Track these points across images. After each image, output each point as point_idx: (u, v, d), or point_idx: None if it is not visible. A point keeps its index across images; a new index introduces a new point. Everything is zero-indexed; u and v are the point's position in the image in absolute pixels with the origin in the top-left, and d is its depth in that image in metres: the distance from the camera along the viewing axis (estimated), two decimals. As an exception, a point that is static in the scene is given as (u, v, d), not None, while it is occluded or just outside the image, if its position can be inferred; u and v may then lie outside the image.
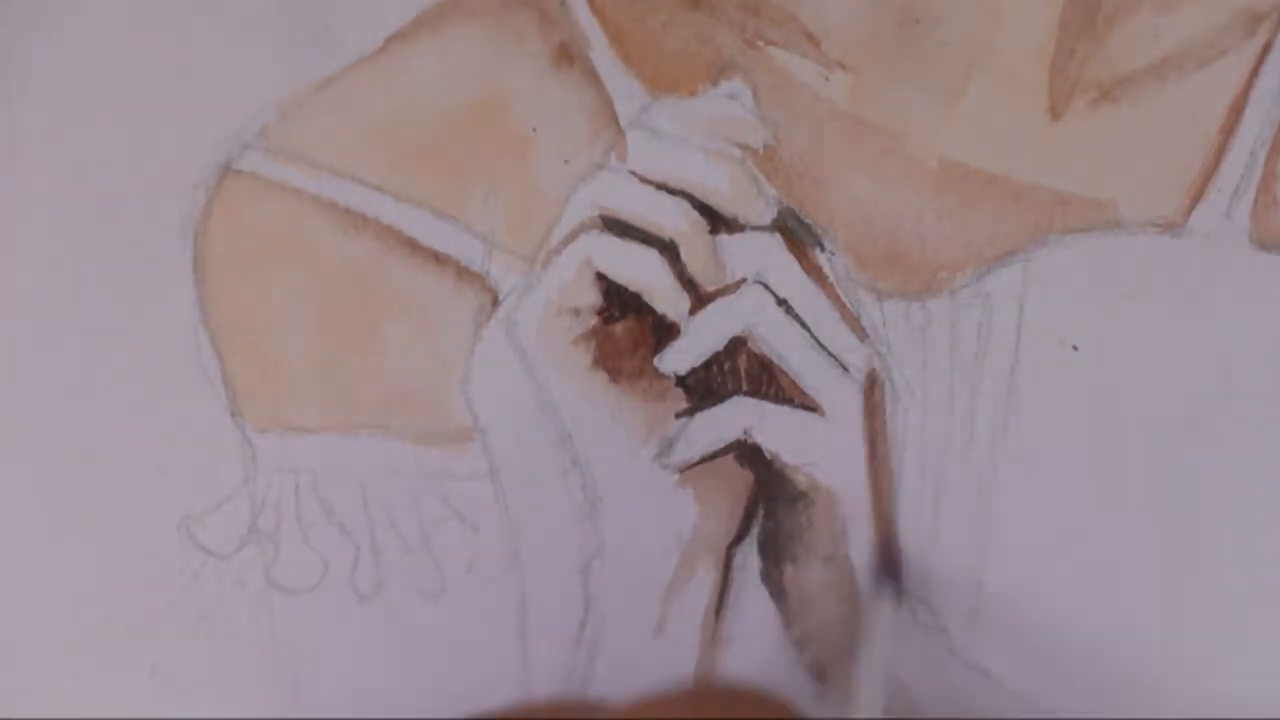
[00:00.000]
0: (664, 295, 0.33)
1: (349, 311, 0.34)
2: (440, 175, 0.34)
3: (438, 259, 0.34)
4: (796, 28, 0.33)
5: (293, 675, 0.35)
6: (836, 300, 0.33)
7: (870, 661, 0.29)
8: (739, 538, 0.34)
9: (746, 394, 0.33)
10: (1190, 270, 0.32)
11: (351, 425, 0.34)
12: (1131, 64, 0.32)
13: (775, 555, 0.34)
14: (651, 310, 0.34)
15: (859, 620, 0.33)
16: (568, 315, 0.34)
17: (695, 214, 0.33)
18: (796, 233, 0.33)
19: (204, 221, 0.35)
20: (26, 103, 0.35)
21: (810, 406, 0.33)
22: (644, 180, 0.34)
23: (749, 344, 0.33)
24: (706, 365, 0.34)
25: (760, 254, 0.33)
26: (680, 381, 0.34)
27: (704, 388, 0.34)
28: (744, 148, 0.33)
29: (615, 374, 0.34)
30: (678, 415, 0.34)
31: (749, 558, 0.34)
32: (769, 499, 0.34)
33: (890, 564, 0.33)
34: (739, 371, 0.33)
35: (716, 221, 0.33)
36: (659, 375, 0.34)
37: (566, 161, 0.34)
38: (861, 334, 0.33)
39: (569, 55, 0.34)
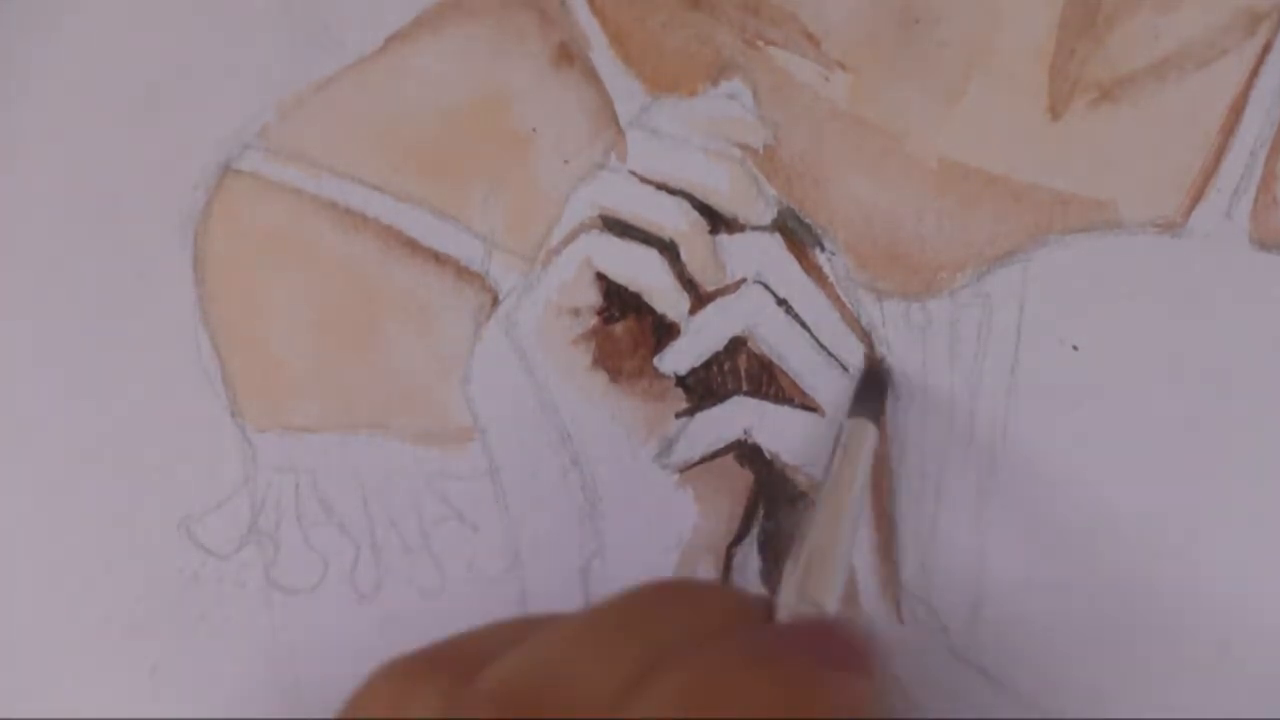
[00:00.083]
0: (664, 295, 0.33)
1: (349, 311, 0.34)
2: (440, 175, 0.34)
3: (438, 259, 0.34)
4: (796, 28, 0.33)
5: (293, 675, 0.35)
6: (836, 300, 0.33)
7: (847, 482, 0.29)
8: (739, 538, 0.34)
9: (746, 394, 0.33)
10: (1190, 270, 0.32)
11: (351, 425, 0.34)
12: (1131, 64, 0.32)
13: (775, 555, 0.34)
14: (651, 310, 0.34)
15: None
16: (568, 315, 0.34)
17: (695, 214, 0.33)
18: (796, 233, 0.33)
19: (204, 221, 0.35)
20: (26, 103, 0.35)
21: (810, 406, 0.33)
22: (644, 180, 0.34)
23: (749, 344, 0.33)
24: (706, 365, 0.34)
25: (760, 254, 0.33)
26: (680, 381, 0.34)
27: (704, 388, 0.34)
28: (744, 148, 0.33)
29: (615, 374, 0.34)
30: (678, 415, 0.34)
31: (749, 558, 0.34)
32: (769, 499, 0.34)
33: (875, 381, 0.32)
34: (739, 371, 0.33)
35: (716, 221, 0.33)
36: (659, 375, 0.34)
37: (566, 161, 0.34)
38: (861, 334, 0.33)
39: (569, 55, 0.34)
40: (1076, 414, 0.32)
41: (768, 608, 0.26)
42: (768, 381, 0.33)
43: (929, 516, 0.33)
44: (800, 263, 0.33)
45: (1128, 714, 0.32)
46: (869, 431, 0.31)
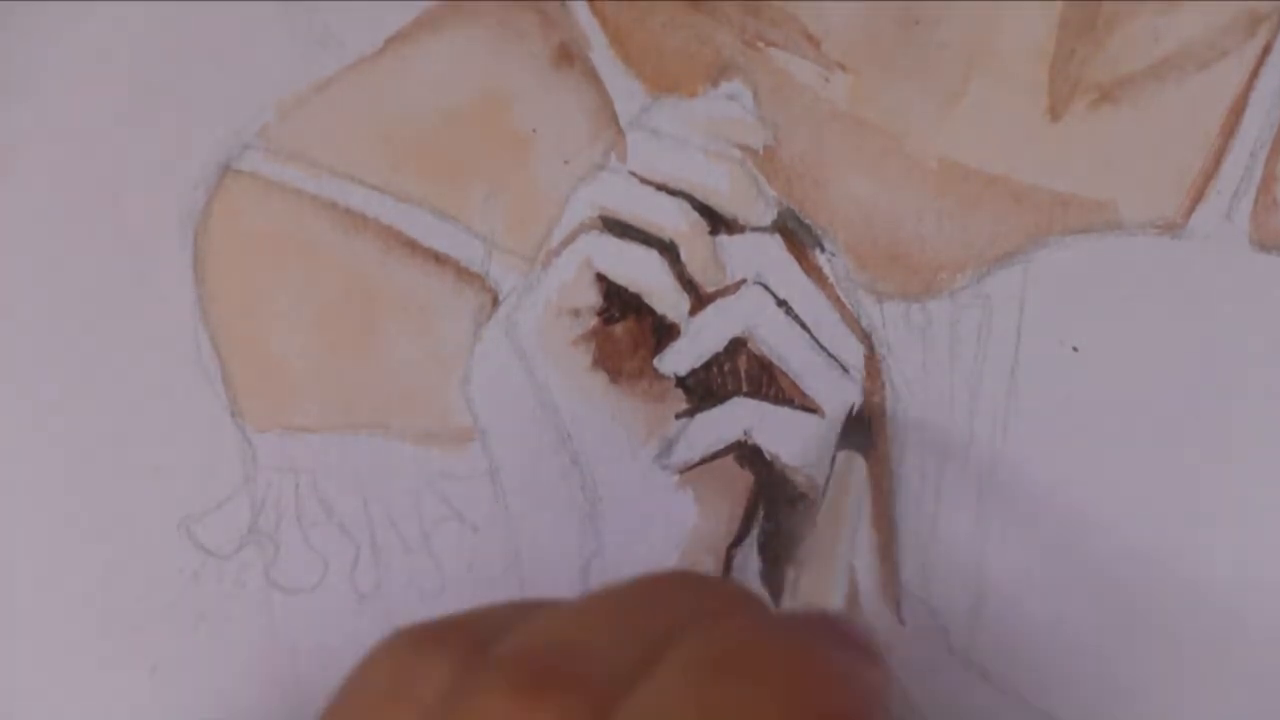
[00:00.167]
0: (664, 296, 0.33)
1: (349, 311, 0.34)
2: (440, 175, 0.34)
3: (438, 259, 0.34)
4: (797, 29, 0.33)
5: (293, 675, 0.35)
6: (836, 301, 0.33)
7: (841, 512, 0.29)
8: (739, 539, 0.34)
9: (746, 395, 0.33)
10: (1190, 271, 0.32)
11: (351, 425, 0.34)
12: (1132, 65, 0.32)
13: (775, 556, 0.34)
14: (651, 311, 0.34)
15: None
16: (568, 316, 0.34)
17: (695, 214, 0.33)
18: (796, 233, 0.33)
19: (204, 221, 0.35)
20: (26, 103, 0.35)
21: (810, 407, 0.33)
22: (644, 181, 0.34)
23: (749, 345, 0.33)
24: (706, 366, 0.34)
25: (760, 255, 0.33)
26: (680, 382, 0.34)
27: (704, 388, 0.34)
28: (744, 148, 0.33)
29: (615, 374, 0.34)
30: (678, 416, 0.34)
31: (749, 559, 0.34)
32: (769, 500, 0.34)
33: (860, 421, 0.32)
34: (739, 372, 0.33)
35: (716, 222, 0.33)
36: (659, 376, 0.34)
37: (566, 161, 0.34)
38: (861, 335, 0.33)
39: (569, 55, 0.34)
40: (1076, 414, 0.32)
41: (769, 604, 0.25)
42: (768, 382, 0.33)
43: (929, 516, 0.33)
44: (800, 263, 0.33)
45: (1128, 715, 0.32)
46: (857, 463, 0.31)
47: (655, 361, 0.34)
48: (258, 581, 0.35)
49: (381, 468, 0.34)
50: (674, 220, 0.33)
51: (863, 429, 0.32)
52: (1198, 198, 0.32)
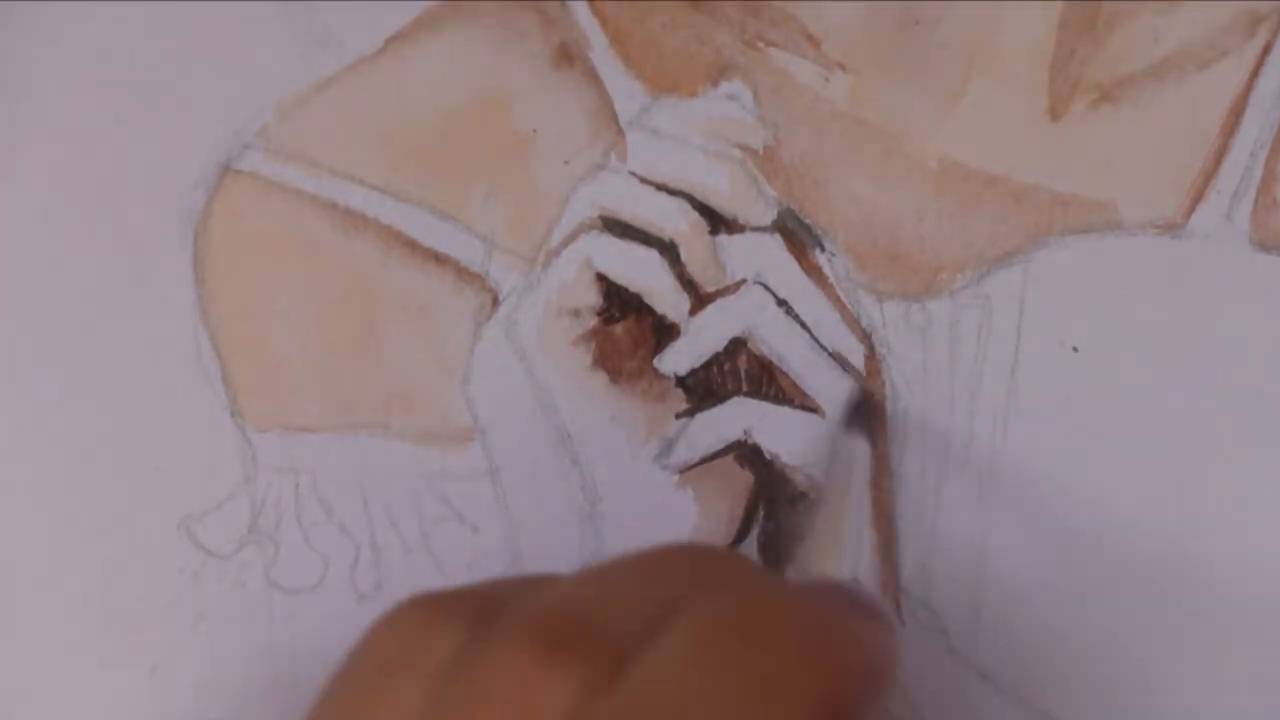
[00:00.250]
0: (664, 296, 0.33)
1: (349, 311, 0.34)
2: (440, 175, 0.34)
3: (438, 259, 0.34)
4: (797, 29, 0.33)
5: (293, 675, 0.34)
6: (836, 301, 0.33)
7: (844, 504, 0.29)
8: (739, 538, 0.34)
9: (746, 395, 0.33)
10: (1190, 271, 0.32)
11: (351, 425, 0.34)
12: (1132, 65, 0.32)
13: (775, 556, 0.34)
14: (651, 311, 0.34)
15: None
16: (568, 316, 0.34)
17: (695, 214, 0.33)
18: (796, 233, 0.33)
19: (204, 221, 0.35)
20: (26, 103, 0.35)
21: (810, 407, 0.33)
22: (644, 181, 0.34)
23: (749, 345, 0.33)
24: (706, 366, 0.34)
25: (760, 254, 0.33)
26: (680, 382, 0.34)
27: (704, 388, 0.34)
28: (744, 148, 0.33)
29: (615, 374, 0.34)
30: (678, 416, 0.34)
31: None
32: (769, 500, 0.34)
33: (864, 406, 0.32)
34: (739, 372, 0.33)
35: (716, 222, 0.33)
36: (659, 376, 0.34)
37: (566, 161, 0.34)
38: (861, 335, 0.33)
39: (569, 55, 0.34)
40: (1076, 414, 0.32)
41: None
42: (768, 382, 0.33)
43: (929, 516, 0.33)
44: (800, 263, 0.33)
45: (1128, 715, 0.32)
46: (861, 446, 0.31)
47: (655, 361, 0.34)
48: (258, 581, 0.34)
49: (381, 468, 0.34)
50: (674, 220, 0.33)
51: (865, 412, 0.32)
52: (1198, 198, 0.32)
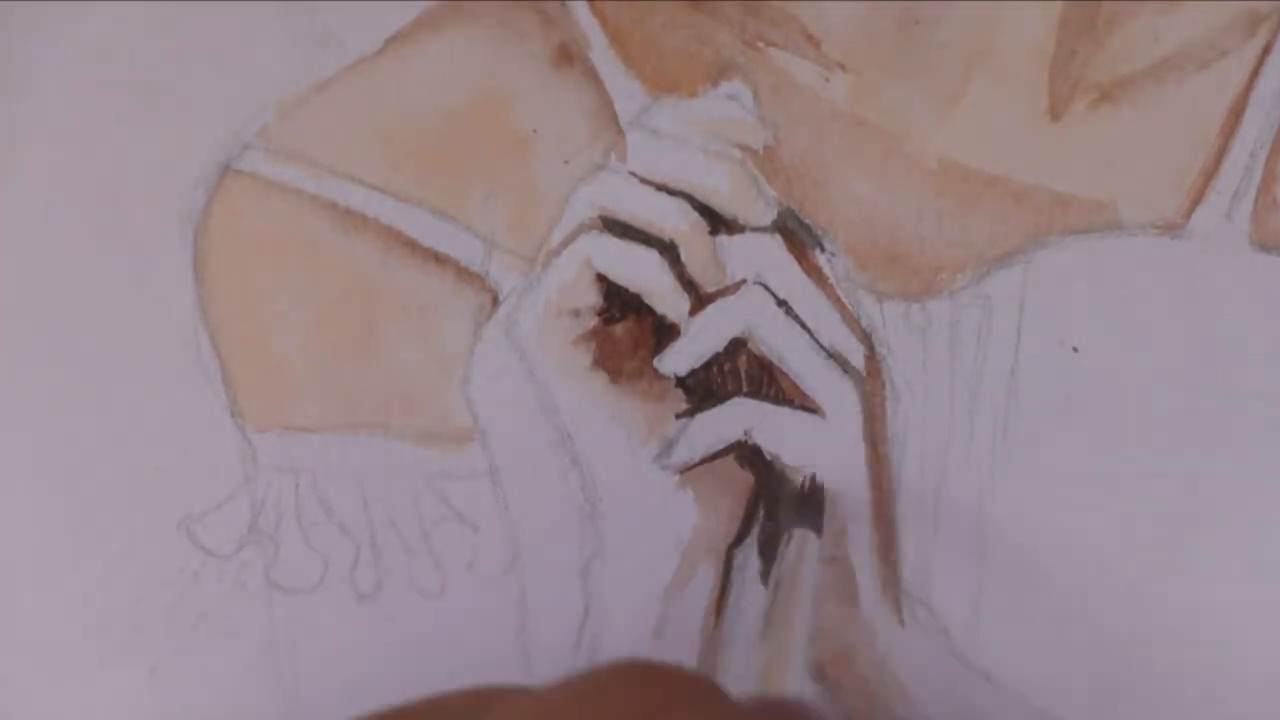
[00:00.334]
0: (664, 296, 0.33)
1: (349, 311, 0.34)
2: (440, 175, 0.34)
3: (438, 259, 0.34)
4: (797, 29, 0.33)
5: (293, 675, 0.35)
6: (836, 301, 0.33)
7: (797, 590, 0.29)
8: (739, 538, 0.34)
9: (746, 395, 0.33)
10: (1190, 272, 0.32)
11: (351, 425, 0.34)
12: (1132, 65, 0.32)
13: (775, 556, 0.34)
14: (651, 311, 0.34)
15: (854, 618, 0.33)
16: (568, 316, 0.34)
17: (695, 214, 0.33)
18: (797, 233, 0.33)
19: (204, 221, 0.35)
20: (26, 103, 0.35)
21: (810, 407, 0.33)
22: (644, 181, 0.34)
23: (749, 345, 0.33)
24: (706, 366, 0.34)
25: (760, 255, 0.33)
26: (680, 382, 0.34)
27: (704, 388, 0.34)
28: (744, 148, 0.33)
29: (615, 374, 0.34)
30: (678, 416, 0.34)
31: (749, 559, 0.34)
32: (769, 500, 0.34)
33: (810, 502, 0.33)
34: (739, 372, 0.33)
35: (716, 222, 0.33)
36: (659, 376, 0.34)
37: (566, 161, 0.34)
38: (861, 335, 0.33)
39: (569, 55, 0.34)
40: (1076, 415, 0.32)
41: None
42: (768, 382, 0.33)
43: (929, 516, 0.33)
44: (800, 264, 0.33)
45: (1128, 715, 0.32)
46: (810, 541, 0.31)
47: (655, 361, 0.34)
48: (258, 581, 0.35)
49: (381, 468, 0.34)
50: (674, 220, 0.33)
51: (814, 506, 0.33)
52: (1198, 198, 0.32)
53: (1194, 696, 0.32)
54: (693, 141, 0.33)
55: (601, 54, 0.34)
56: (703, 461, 0.34)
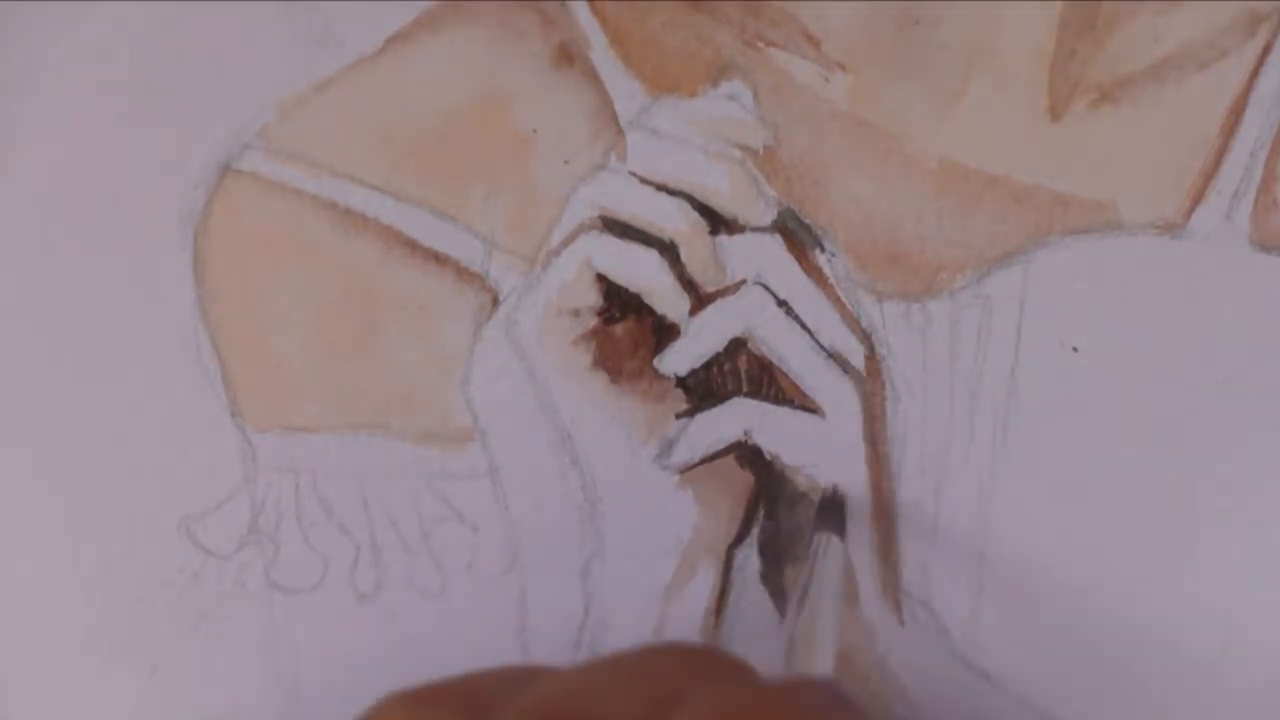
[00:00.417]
0: (664, 296, 0.34)
1: (349, 311, 0.34)
2: (440, 175, 0.34)
3: (438, 259, 0.34)
4: (797, 29, 0.33)
5: (293, 675, 0.35)
6: (836, 301, 0.33)
7: (823, 603, 0.29)
8: (739, 539, 0.34)
9: (746, 395, 0.33)
10: (1190, 272, 0.32)
11: (351, 425, 0.34)
12: (1132, 65, 0.32)
13: (775, 556, 0.34)
14: (651, 311, 0.34)
15: (853, 620, 0.33)
16: (568, 316, 0.34)
17: (695, 214, 0.33)
18: (797, 233, 0.33)
19: (204, 221, 0.35)
20: (26, 103, 0.35)
21: (810, 407, 0.33)
22: (644, 181, 0.34)
23: (749, 345, 0.33)
24: (706, 366, 0.34)
25: (760, 255, 0.33)
26: (680, 382, 0.34)
27: (704, 389, 0.34)
28: (744, 148, 0.33)
29: (615, 374, 0.34)
30: (678, 416, 0.34)
31: (749, 559, 0.34)
32: (769, 500, 0.34)
33: (834, 507, 0.33)
34: (739, 372, 0.34)
35: (716, 222, 0.33)
36: (659, 376, 0.34)
37: (566, 161, 0.34)
38: (861, 335, 0.33)
39: (569, 55, 0.34)
40: (1076, 415, 0.32)
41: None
42: (768, 382, 0.33)
43: (929, 517, 0.33)
44: (800, 264, 0.33)
45: (1128, 715, 0.32)
46: (835, 544, 0.31)
47: (655, 361, 0.34)
48: (258, 581, 0.35)
49: (381, 468, 0.34)
50: (674, 220, 0.33)
51: (837, 511, 0.33)
52: (1198, 198, 0.32)
53: (1194, 697, 0.32)
54: (693, 141, 0.33)
55: (601, 54, 0.34)
56: (703, 461, 0.34)
